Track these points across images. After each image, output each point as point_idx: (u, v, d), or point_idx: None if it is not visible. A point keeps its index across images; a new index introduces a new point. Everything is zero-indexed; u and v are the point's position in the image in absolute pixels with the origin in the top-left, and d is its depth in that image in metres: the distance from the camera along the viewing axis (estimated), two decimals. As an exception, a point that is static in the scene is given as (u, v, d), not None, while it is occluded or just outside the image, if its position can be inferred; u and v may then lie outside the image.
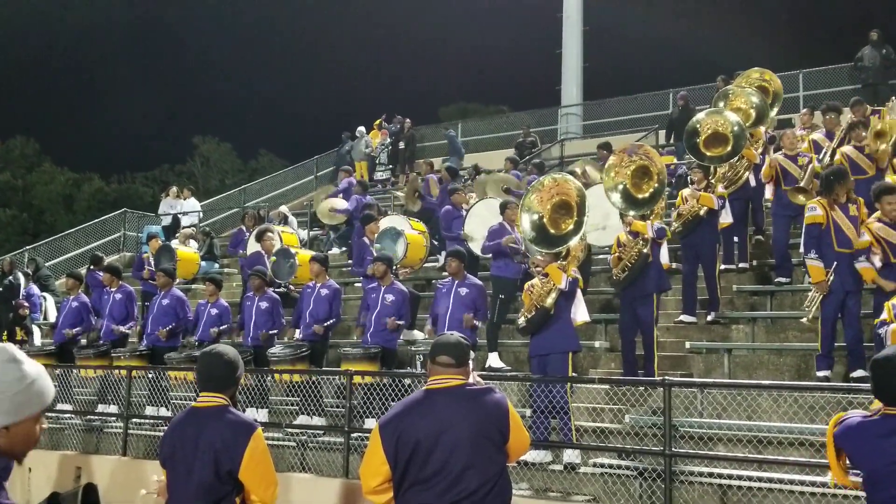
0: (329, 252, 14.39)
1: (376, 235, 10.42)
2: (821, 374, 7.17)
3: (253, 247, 11.77)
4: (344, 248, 14.56)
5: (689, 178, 9.80)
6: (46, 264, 16.66)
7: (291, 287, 10.86)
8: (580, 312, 7.36)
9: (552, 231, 7.27)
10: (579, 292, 7.40)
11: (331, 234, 15.47)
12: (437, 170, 15.29)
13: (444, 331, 8.10)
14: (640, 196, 7.91)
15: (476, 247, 10.10)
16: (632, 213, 7.99)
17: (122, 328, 10.47)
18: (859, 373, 6.96)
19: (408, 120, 21.09)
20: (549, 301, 7.05)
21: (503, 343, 9.18)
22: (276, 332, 9.45)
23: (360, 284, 12.02)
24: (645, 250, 7.84)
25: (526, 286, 7.45)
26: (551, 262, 7.19)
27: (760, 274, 9.87)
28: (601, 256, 10.42)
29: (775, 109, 10.83)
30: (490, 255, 9.44)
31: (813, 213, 7.41)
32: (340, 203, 13.97)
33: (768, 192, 9.62)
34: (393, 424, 3.54)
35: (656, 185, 7.84)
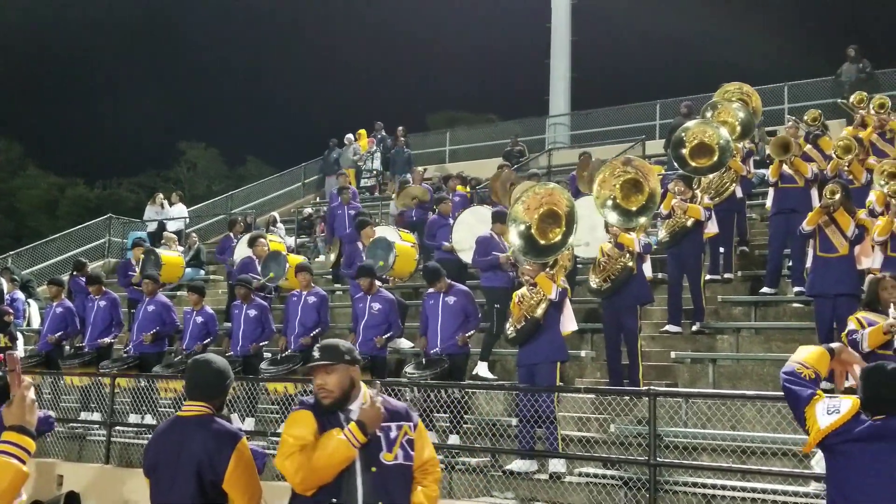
0: (316, 259, 14.37)
1: (367, 247, 10.32)
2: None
3: (241, 253, 11.67)
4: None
5: (668, 188, 9.74)
6: (30, 270, 16.52)
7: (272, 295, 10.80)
8: (568, 322, 7.38)
9: (541, 241, 7.27)
10: (567, 301, 7.42)
11: (317, 241, 15.41)
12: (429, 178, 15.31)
13: (437, 342, 8.08)
14: (630, 208, 7.92)
15: (465, 256, 10.07)
16: (620, 225, 7.99)
17: (106, 339, 10.38)
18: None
19: (400, 128, 21.00)
20: (540, 311, 7.06)
21: (493, 352, 9.14)
22: (265, 342, 9.38)
23: (343, 293, 12.01)
24: (630, 264, 7.86)
25: (515, 296, 7.45)
26: (540, 272, 7.21)
27: (745, 284, 9.93)
28: (586, 265, 10.42)
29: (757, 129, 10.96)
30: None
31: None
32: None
33: (769, 202, 9.55)
34: None
35: (646, 200, 7.85)
